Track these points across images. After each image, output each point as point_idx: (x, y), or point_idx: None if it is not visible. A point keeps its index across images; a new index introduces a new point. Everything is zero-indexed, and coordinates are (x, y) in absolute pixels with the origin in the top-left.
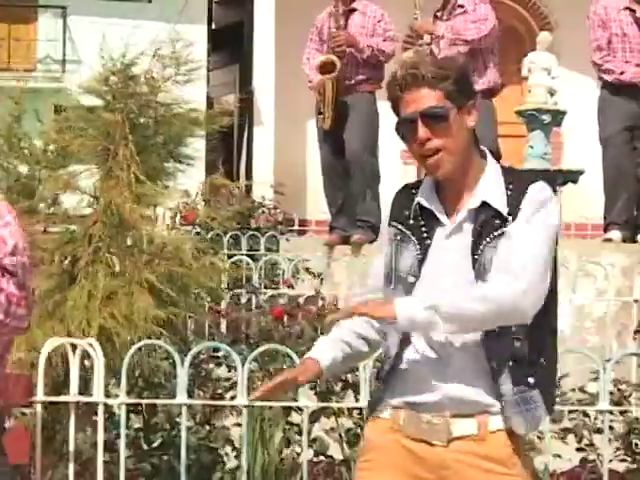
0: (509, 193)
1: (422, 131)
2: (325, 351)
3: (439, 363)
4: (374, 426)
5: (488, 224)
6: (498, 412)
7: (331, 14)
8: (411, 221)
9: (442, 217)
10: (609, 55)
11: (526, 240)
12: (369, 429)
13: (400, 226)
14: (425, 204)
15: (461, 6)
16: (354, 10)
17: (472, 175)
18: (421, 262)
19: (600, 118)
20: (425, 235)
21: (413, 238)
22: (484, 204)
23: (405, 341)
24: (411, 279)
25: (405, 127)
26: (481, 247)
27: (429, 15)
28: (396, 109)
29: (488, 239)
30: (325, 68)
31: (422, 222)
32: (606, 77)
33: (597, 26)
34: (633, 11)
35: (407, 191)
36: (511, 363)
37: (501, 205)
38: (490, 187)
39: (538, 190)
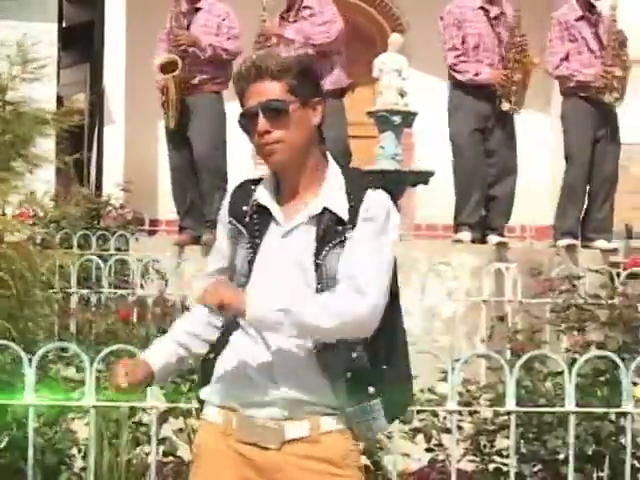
0: (351, 197)
1: (262, 123)
2: (158, 356)
3: (272, 365)
4: (206, 430)
5: (330, 230)
6: (331, 413)
7: (173, 13)
8: (247, 219)
9: (278, 216)
10: (463, 55)
11: (369, 255)
12: (199, 434)
13: (237, 223)
14: (262, 201)
15: (307, 7)
16: (199, 9)
17: (312, 175)
18: (251, 261)
19: (451, 119)
20: (257, 234)
21: (247, 236)
22: (325, 210)
23: (234, 338)
24: (242, 279)
25: (247, 119)
26: (324, 253)
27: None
28: (242, 102)
29: (331, 245)
30: (168, 68)
31: (256, 220)
32: (460, 77)
33: (452, 26)
34: (487, 11)
35: (246, 187)
36: (349, 375)
37: (342, 212)
38: (332, 192)
39: (376, 200)
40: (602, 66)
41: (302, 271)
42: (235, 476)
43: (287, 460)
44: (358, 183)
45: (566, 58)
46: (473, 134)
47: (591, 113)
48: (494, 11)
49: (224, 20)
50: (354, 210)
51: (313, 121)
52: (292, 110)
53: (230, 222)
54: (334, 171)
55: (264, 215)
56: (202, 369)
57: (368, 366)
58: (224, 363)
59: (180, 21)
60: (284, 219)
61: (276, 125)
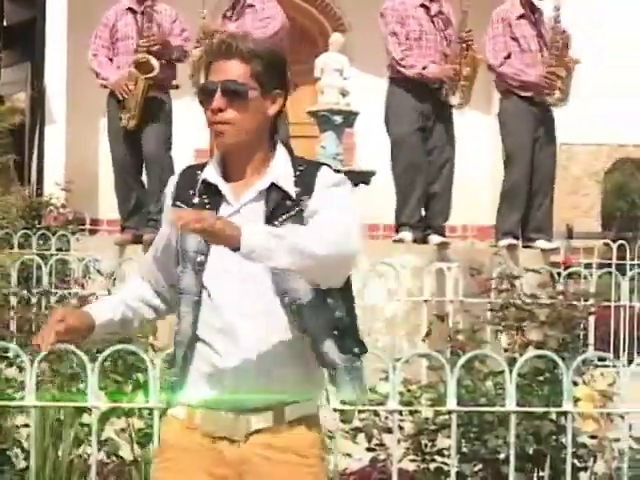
0: (297, 174)
1: (218, 101)
2: (103, 310)
3: (238, 357)
4: (169, 426)
5: (279, 205)
6: (295, 402)
7: (136, 12)
8: (196, 199)
9: (227, 194)
10: (409, 50)
11: (346, 212)
12: (164, 429)
13: (184, 205)
14: (211, 180)
15: (251, 5)
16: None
17: (260, 158)
18: (207, 241)
19: (391, 118)
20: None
21: None
22: (273, 186)
23: (199, 330)
24: (200, 257)
25: (205, 94)
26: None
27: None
28: (205, 75)
29: (280, 220)
30: (141, 68)
31: (206, 200)
32: (407, 72)
33: (395, 22)
34: (427, 8)
35: (191, 171)
36: (336, 333)
37: (290, 187)
38: (279, 170)
39: (330, 172)
40: (545, 67)
41: None
42: (201, 470)
43: (253, 451)
44: (308, 162)
45: (508, 56)
46: (414, 133)
47: (530, 113)
48: (434, 8)
49: (175, 21)
50: (306, 183)
51: (269, 111)
52: (250, 96)
53: (175, 204)
54: (282, 152)
55: (213, 195)
56: (166, 367)
57: (351, 326)
58: (188, 358)
59: (150, 21)
60: (233, 198)
61: (231, 106)
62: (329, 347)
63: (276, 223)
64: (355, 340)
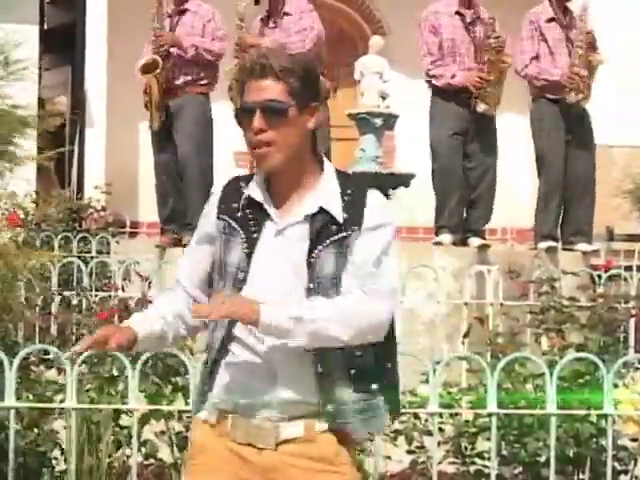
0: (346, 199)
1: (257, 122)
2: (144, 324)
3: (266, 365)
4: (200, 429)
5: (324, 229)
6: (327, 412)
7: (155, 15)
8: (239, 214)
9: (272, 212)
10: (439, 60)
11: (383, 260)
12: (196, 432)
13: (228, 219)
14: (256, 197)
15: (288, 14)
16: (186, 10)
17: (305, 177)
18: (249, 257)
19: (431, 123)
20: (253, 229)
21: (241, 232)
22: (321, 209)
23: (230, 338)
24: (240, 275)
25: (244, 115)
26: (316, 252)
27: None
28: (242, 95)
29: (324, 244)
30: (149, 68)
31: (250, 216)
32: (436, 82)
33: (428, 32)
34: (463, 16)
35: (236, 184)
36: (353, 372)
37: (337, 211)
38: (327, 192)
39: (378, 203)
40: (569, 67)
41: (295, 270)
42: (229, 475)
43: (282, 460)
44: (355, 185)
45: (536, 58)
46: (452, 138)
47: (561, 115)
48: (470, 15)
49: (209, 21)
50: (354, 210)
51: (308, 125)
52: (290, 114)
53: (220, 217)
54: (329, 172)
55: (257, 212)
56: (200, 373)
57: (372, 364)
58: (221, 366)
59: (162, 22)
60: (278, 216)
61: (271, 126)
62: (344, 387)
63: (320, 247)
64: (378, 376)
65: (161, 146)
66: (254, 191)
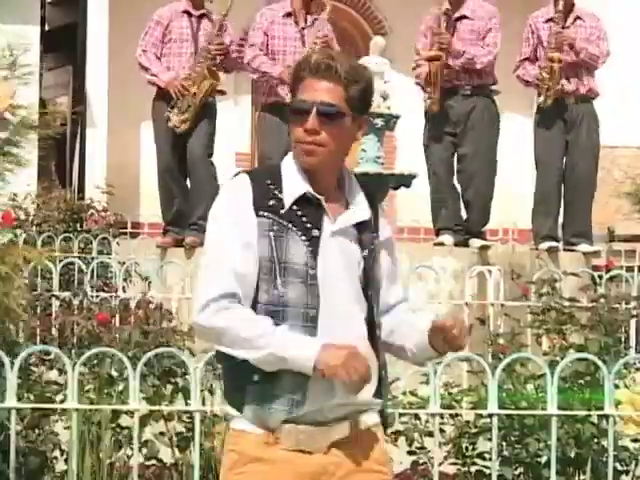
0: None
1: (312, 122)
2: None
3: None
4: (244, 438)
5: (367, 236)
6: (366, 410)
7: (192, 15)
8: (282, 210)
9: (329, 210)
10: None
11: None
12: (243, 442)
13: (273, 216)
14: (314, 194)
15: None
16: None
17: (336, 176)
18: (314, 253)
19: (425, 124)
20: (309, 226)
21: (294, 228)
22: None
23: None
24: (311, 271)
25: (299, 112)
26: (364, 257)
27: None
28: (294, 88)
29: (368, 250)
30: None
31: (300, 212)
32: (418, 81)
33: (420, 33)
34: (450, 16)
35: (260, 179)
36: (383, 372)
37: (368, 216)
38: (361, 198)
39: (383, 210)
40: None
41: (353, 273)
42: None
43: (331, 461)
44: (366, 188)
45: (528, 59)
46: (440, 138)
47: (559, 116)
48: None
49: (226, 31)
50: (374, 219)
51: (356, 136)
52: (345, 121)
53: (262, 215)
54: (348, 174)
55: (310, 208)
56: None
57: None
58: (274, 376)
59: (221, 29)
60: (332, 215)
61: (324, 128)
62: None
63: (366, 252)
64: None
65: (171, 146)
66: (304, 187)
